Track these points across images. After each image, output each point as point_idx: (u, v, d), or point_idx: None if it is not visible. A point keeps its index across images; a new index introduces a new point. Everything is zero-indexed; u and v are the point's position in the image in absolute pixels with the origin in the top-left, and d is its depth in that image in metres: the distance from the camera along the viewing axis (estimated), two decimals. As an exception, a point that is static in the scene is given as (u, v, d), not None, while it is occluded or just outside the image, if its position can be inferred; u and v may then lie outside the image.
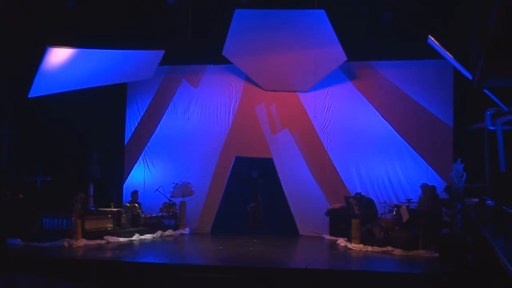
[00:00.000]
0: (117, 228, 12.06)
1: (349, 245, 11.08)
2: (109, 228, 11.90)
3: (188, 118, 14.55)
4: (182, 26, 13.04)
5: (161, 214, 13.67)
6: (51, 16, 12.25)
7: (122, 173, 14.76)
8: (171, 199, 13.85)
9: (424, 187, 11.15)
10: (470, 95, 10.51)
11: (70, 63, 11.64)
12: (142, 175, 14.69)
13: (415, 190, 12.00)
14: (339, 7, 12.01)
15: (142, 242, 11.94)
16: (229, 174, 14.02)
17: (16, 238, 10.84)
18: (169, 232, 13.19)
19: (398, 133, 13.30)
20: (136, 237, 12.11)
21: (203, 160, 14.38)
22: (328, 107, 13.84)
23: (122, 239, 11.69)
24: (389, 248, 10.57)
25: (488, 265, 5.86)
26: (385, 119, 13.42)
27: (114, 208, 12.62)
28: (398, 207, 11.26)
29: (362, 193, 12.58)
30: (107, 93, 13.69)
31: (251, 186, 13.78)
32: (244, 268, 8.82)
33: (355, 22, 12.39)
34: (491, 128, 9.15)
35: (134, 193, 13.50)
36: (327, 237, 12.81)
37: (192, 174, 14.39)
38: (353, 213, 11.16)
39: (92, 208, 12.56)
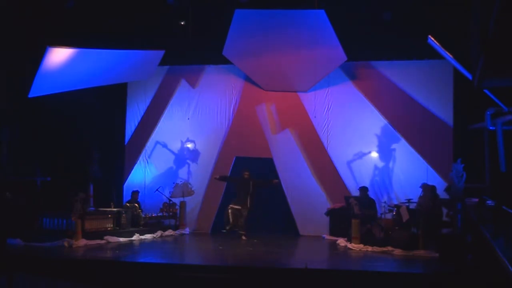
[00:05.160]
0: (117, 228, 12.05)
1: (349, 245, 11.08)
2: (109, 228, 11.88)
3: (188, 118, 14.57)
4: (182, 26, 13.06)
5: (161, 214, 13.66)
6: (51, 16, 12.25)
7: (122, 173, 14.77)
8: (171, 199, 13.85)
9: (424, 187, 11.15)
10: (470, 95, 10.50)
11: (70, 63, 11.64)
12: (142, 175, 14.71)
13: (415, 190, 12.00)
14: (339, 7, 12.01)
15: (142, 242, 11.93)
16: (229, 174, 14.01)
17: (16, 238, 10.83)
18: (169, 232, 13.18)
19: (398, 133, 13.31)
20: (136, 237, 12.11)
21: (203, 160, 14.40)
22: (328, 107, 13.85)
23: (122, 239, 11.69)
24: (389, 248, 10.57)
25: (488, 265, 5.85)
26: (385, 119, 13.43)
27: (114, 208, 12.62)
28: (398, 207, 11.26)
29: (367, 187, 12.56)
30: (107, 93, 13.71)
31: (242, 188, 12.80)
32: (244, 268, 8.81)
33: (355, 22, 12.39)
34: (491, 128, 9.15)
35: (135, 193, 13.50)
36: (327, 237, 12.82)
37: (192, 174, 14.42)
38: (353, 213, 11.16)
39: (92, 208, 12.54)
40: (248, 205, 12.52)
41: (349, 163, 13.56)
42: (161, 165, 14.69)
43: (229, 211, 12.55)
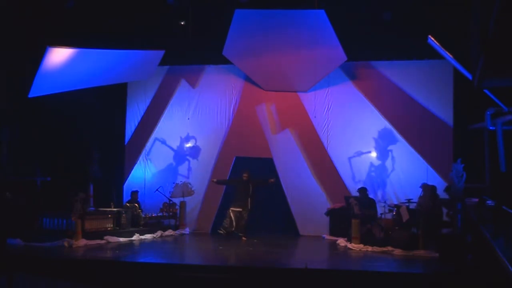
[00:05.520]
0: (117, 228, 12.05)
1: (349, 245, 11.08)
2: (109, 228, 11.88)
3: (188, 118, 14.57)
4: (182, 26, 13.06)
5: (161, 214, 13.66)
6: (51, 16, 12.25)
7: (122, 173, 14.77)
8: (171, 199, 13.85)
9: (424, 187, 11.15)
10: (470, 95, 10.51)
11: (70, 63, 11.64)
12: (142, 175, 14.71)
13: (415, 190, 12.00)
14: (339, 7, 12.01)
15: (142, 242, 11.93)
16: (229, 174, 14.01)
17: (16, 238, 10.83)
18: (169, 232, 13.18)
19: (398, 133, 13.32)
20: (136, 237, 12.11)
21: (203, 160, 14.40)
22: (328, 107, 13.85)
23: (122, 239, 11.69)
24: (389, 248, 10.57)
25: (488, 265, 5.86)
26: (385, 119, 13.43)
27: (114, 208, 12.62)
28: (398, 207, 11.26)
29: (366, 188, 12.55)
30: (107, 93, 13.70)
31: (242, 190, 12.60)
32: (244, 268, 8.82)
33: (355, 22, 12.39)
34: (491, 128, 9.16)
35: (134, 193, 13.49)
36: (327, 237, 12.82)
37: (192, 174, 14.42)
38: (353, 213, 11.16)
39: (92, 208, 12.54)
40: (249, 207, 12.45)
41: (349, 163, 13.55)
42: (160, 164, 14.69)
43: (231, 214, 12.47)
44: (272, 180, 12.88)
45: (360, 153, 13.55)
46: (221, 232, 12.49)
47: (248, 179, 12.63)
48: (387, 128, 13.41)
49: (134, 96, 15.01)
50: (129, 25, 12.83)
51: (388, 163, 13.39)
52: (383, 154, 13.45)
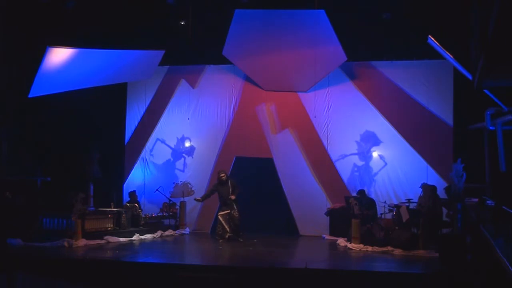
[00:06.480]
0: (117, 228, 12.06)
1: (349, 245, 11.08)
2: (109, 228, 11.89)
3: (188, 118, 14.57)
4: (182, 26, 13.07)
5: (161, 214, 13.66)
6: (51, 16, 12.26)
7: (122, 173, 14.77)
8: (171, 199, 13.85)
9: (424, 187, 11.16)
10: (470, 95, 10.52)
11: (70, 63, 11.65)
12: (142, 175, 14.71)
13: (415, 190, 12.02)
14: (339, 7, 12.02)
15: (142, 242, 11.93)
16: (229, 174, 13.98)
17: (16, 238, 10.82)
18: (169, 232, 13.18)
19: (398, 133, 13.31)
20: (136, 237, 12.11)
21: (203, 160, 14.40)
22: (328, 107, 13.85)
23: (122, 239, 11.69)
24: (389, 248, 10.57)
25: (488, 265, 5.86)
26: (385, 119, 13.42)
27: (114, 208, 12.62)
28: (398, 207, 11.27)
29: (364, 189, 12.55)
30: (107, 93, 13.70)
31: (223, 191, 12.20)
32: (244, 268, 8.81)
33: (355, 22, 12.40)
34: (491, 128, 9.18)
35: (132, 193, 13.46)
36: (327, 237, 12.82)
37: (192, 174, 14.43)
38: (353, 213, 11.16)
39: (92, 208, 12.54)
40: (235, 206, 12.03)
41: (349, 162, 13.54)
42: (161, 165, 14.69)
43: (221, 219, 12.02)
44: (232, 196, 12.06)
45: (360, 154, 13.54)
46: (219, 240, 11.94)
47: (227, 177, 12.25)
48: (387, 128, 13.38)
49: (134, 96, 15.00)
50: (129, 25, 12.84)
51: (388, 163, 13.35)
52: (383, 154, 13.42)
